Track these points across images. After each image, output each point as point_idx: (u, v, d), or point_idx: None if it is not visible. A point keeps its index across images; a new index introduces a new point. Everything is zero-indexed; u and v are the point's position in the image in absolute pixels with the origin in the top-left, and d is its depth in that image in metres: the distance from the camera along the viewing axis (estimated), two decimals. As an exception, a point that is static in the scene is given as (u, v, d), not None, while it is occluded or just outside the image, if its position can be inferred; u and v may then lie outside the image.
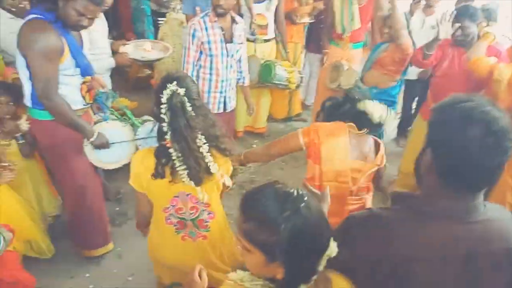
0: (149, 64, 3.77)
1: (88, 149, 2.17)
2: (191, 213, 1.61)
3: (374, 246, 1.02)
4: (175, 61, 4.08)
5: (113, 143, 2.20)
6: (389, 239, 1.01)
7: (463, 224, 0.97)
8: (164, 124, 1.47)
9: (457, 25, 2.62)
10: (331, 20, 3.77)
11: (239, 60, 2.84)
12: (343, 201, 1.80)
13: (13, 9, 2.67)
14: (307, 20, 3.92)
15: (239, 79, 2.90)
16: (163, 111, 1.45)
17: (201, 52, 2.61)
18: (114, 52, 2.69)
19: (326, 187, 1.48)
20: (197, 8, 3.49)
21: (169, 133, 1.46)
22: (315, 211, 0.92)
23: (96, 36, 2.55)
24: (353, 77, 3.58)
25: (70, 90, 2.03)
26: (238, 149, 3.72)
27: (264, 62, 3.57)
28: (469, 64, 2.57)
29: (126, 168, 2.39)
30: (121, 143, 2.23)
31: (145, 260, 2.46)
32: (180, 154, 1.46)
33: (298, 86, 3.88)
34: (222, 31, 2.59)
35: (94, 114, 2.33)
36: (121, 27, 4.72)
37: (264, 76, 3.55)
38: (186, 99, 1.45)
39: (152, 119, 2.63)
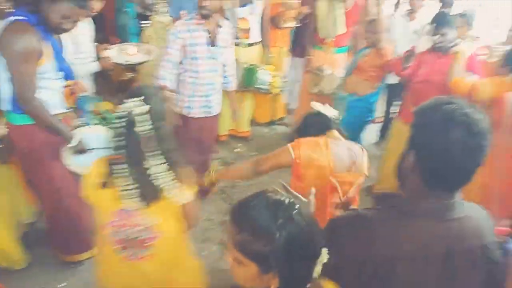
0: (133, 67, 3.74)
1: (68, 154, 2.13)
2: (133, 231, 1.50)
3: (359, 247, 1.03)
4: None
5: (93, 148, 2.17)
6: (373, 239, 1.02)
7: (442, 222, 1.00)
8: (119, 137, 1.40)
9: (437, 36, 2.67)
10: (314, 24, 3.80)
11: (226, 64, 2.83)
12: (326, 213, 1.77)
13: None
14: (292, 24, 3.94)
15: (225, 83, 2.89)
16: (119, 124, 1.39)
17: (185, 56, 2.59)
18: (98, 56, 2.66)
19: (311, 192, 1.44)
20: (183, 12, 3.49)
21: (122, 147, 1.40)
22: (307, 218, 0.92)
23: (82, 40, 2.53)
24: (334, 82, 3.62)
25: (51, 94, 2.00)
26: (222, 152, 3.74)
27: (247, 66, 3.57)
28: (450, 84, 2.66)
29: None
30: (103, 148, 2.20)
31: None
32: (127, 171, 1.39)
33: (281, 91, 3.88)
34: (208, 33, 2.58)
35: (77, 118, 2.30)
36: (105, 30, 4.67)
37: (247, 80, 3.56)
38: (148, 117, 1.37)
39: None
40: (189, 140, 2.77)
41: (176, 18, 3.49)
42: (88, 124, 2.25)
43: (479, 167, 0.96)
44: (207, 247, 2.73)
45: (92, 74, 2.67)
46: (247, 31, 3.64)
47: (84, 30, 2.52)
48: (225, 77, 2.86)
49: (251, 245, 0.88)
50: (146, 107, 1.38)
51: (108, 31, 4.42)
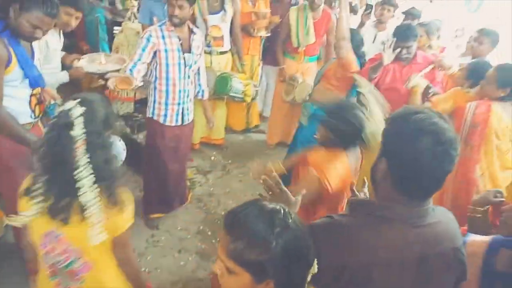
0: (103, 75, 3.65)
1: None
2: (61, 259, 1.32)
3: (335, 253, 1.05)
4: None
5: None
6: (348, 246, 1.04)
7: (415, 228, 1.03)
8: (48, 143, 1.24)
9: (398, 50, 2.77)
10: (286, 33, 3.86)
11: (198, 73, 2.81)
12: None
13: None
14: (263, 33, 3.99)
15: (198, 92, 2.87)
16: (48, 128, 1.25)
17: (157, 62, 2.55)
18: (64, 64, 2.57)
19: (299, 193, 1.38)
20: (154, 18, 3.45)
21: (49, 155, 1.23)
22: (301, 226, 0.92)
23: (53, 53, 2.46)
24: (306, 91, 3.68)
25: (18, 103, 1.93)
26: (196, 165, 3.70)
27: (220, 74, 3.57)
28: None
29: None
30: None
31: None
32: (49, 181, 1.23)
33: (253, 99, 3.89)
34: (180, 40, 2.56)
35: (44, 127, 2.21)
36: (75, 36, 4.55)
37: (220, 88, 3.55)
38: (81, 120, 1.21)
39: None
40: (165, 148, 2.72)
41: (146, 25, 3.45)
42: None
43: (447, 174, 1.01)
44: (184, 257, 2.68)
45: (61, 84, 2.58)
46: (220, 38, 3.63)
47: (54, 39, 2.45)
48: (199, 85, 2.84)
49: (246, 254, 0.87)
50: (80, 110, 1.22)
51: (78, 37, 4.30)
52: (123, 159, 2.45)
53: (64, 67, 2.55)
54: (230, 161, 3.92)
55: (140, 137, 3.40)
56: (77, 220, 1.23)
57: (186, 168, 3.04)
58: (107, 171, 1.27)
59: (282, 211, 0.91)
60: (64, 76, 2.44)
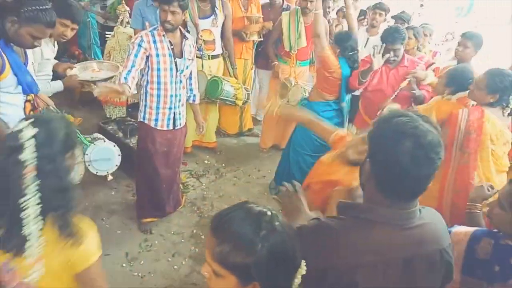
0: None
1: None
2: None
3: (320, 255, 1.06)
4: (123, 76, 3.99)
5: None
6: (333, 248, 1.05)
7: (401, 230, 1.04)
8: None
9: (391, 53, 2.82)
10: (278, 35, 3.90)
11: (189, 78, 2.82)
12: None
13: None
14: (256, 38, 4.02)
15: (189, 96, 2.88)
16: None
17: (149, 67, 2.56)
18: (56, 73, 2.57)
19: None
20: (146, 23, 3.46)
21: None
22: (288, 229, 0.92)
23: (47, 63, 2.46)
24: (299, 93, 3.71)
25: (12, 109, 1.92)
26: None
27: (211, 78, 3.58)
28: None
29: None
30: None
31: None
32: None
33: (245, 103, 3.91)
34: (171, 45, 2.57)
35: None
36: (67, 41, 4.55)
37: (211, 92, 3.56)
38: (33, 144, 1.09)
39: (103, 137, 2.54)
40: (156, 153, 2.72)
41: (138, 29, 3.45)
42: None
43: (430, 177, 1.01)
44: (177, 261, 2.68)
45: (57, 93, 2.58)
46: (211, 42, 3.65)
47: (48, 49, 2.46)
48: (190, 90, 2.85)
49: (232, 257, 0.86)
50: (32, 131, 1.10)
51: (69, 41, 4.29)
52: (118, 164, 2.46)
53: (57, 75, 2.55)
54: (223, 164, 3.93)
55: (133, 141, 3.40)
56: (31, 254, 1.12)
57: (179, 172, 3.04)
58: (60, 200, 1.14)
59: (269, 214, 0.91)
60: (59, 86, 2.45)
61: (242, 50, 4.09)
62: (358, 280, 1.03)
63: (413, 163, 0.97)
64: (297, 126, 3.32)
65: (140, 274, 2.53)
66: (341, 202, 1.15)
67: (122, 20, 3.98)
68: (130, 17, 3.78)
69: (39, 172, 1.10)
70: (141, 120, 2.69)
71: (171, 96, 2.64)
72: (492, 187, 1.71)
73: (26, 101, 1.99)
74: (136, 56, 2.48)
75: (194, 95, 2.89)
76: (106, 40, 4.10)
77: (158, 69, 2.55)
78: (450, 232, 1.31)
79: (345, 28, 4.04)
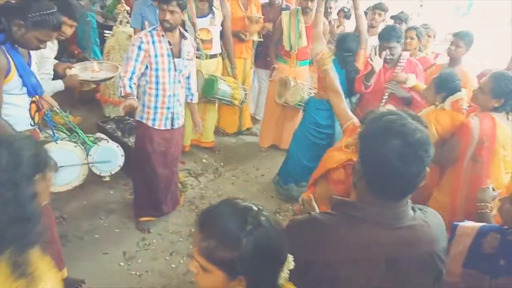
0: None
1: None
2: None
3: (307, 248, 1.07)
4: (122, 76, 4.00)
5: (62, 166, 2.11)
6: (321, 242, 1.06)
7: (390, 230, 1.04)
8: None
9: (387, 51, 2.80)
10: (278, 36, 3.91)
11: (188, 77, 2.83)
12: None
13: None
14: (256, 38, 4.03)
15: (187, 95, 2.89)
16: None
17: (146, 67, 2.57)
18: (56, 73, 2.58)
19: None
20: (146, 23, 3.47)
21: None
22: (274, 223, 0.93)
23: (47, 61, 2.48)
24: (298, 93, 3.72)
25: (18, 110, 1.94)
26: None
27: (208, 77, 3.58)
28: None
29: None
30: (72, 165, 2.16)
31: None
32: None
33: (242, 103, 3.89)
34: (170, 45, 2.57)
35: (41, 131, 2.22)
36: (66, 40, 4.56)
37: (207, 91, 3.56)
38: None
39: (106, 137, 2.55)
40: (154, 152, 2.73)
41: (138, 29, 3.46)
42: (55, 140, 2.19)
43: (420, 176, 1.01)
44: (175, 259, 2.69)
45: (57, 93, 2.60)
46: (209, 41, 3.65)
47: (50, 51, 2.47)
48: (188, 89, 2.86)
49: (218, 252, 0.87)
50: None
51: (69, 41, 4.30)
52: (122, 164, 2.48)
53: (57, 75, 2.57)
54: (222, 163, 3.94)
55: (131, 140, 3.40)
56: None
57: (177, 172, 3.04)
58: (17, 232, 0.96)
59: (254, 209, 0.91)
60: (60, 85, 2.47)
61: (242, 50, 4.10)
62: (341, 276, 1.04)
63: (401, 161, 0.97)
64: (300, 124, 3.37)
65: (138, 273, 2.54)
66: (335, 198, 1.15)
67: (121, 20, 3.99)
68: (129, 17, 3.79)
69: None
70: (139, 119, 2.70)
71: (170, 96, 2.65)
72: (494, 188, 1.77)
73: (31, 102, 2.00)
74: (136, 61, 2.51)
75: (192, 94, 2.90)
76: (106, 40, 4.11)
77: (157, 69, 2.56)
78: (457, 226, 1.32)
79: (347, 29, 4.06)
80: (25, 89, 1.93)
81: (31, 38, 1.81)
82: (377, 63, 2.80)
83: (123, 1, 3.98)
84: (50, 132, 2.23)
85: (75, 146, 2.23)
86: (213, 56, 3.72)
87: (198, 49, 3.53)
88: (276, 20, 3.96)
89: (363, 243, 1.04)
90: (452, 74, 2.46)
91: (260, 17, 3.96)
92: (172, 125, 2.74)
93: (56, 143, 2.17)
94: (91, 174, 2.48)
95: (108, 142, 2.41)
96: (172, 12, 2.43)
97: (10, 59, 1.83)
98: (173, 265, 2.64)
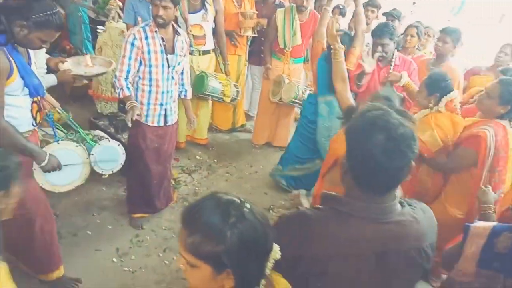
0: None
1: (37, 171, 2.05)
2: None
3: (296, 244, 1.07)
4: (114, 72, 3.96)
5: (65, 165, 2.10)
6: (309, 237, 1.07)
7: (377, 224, 1.05)
8: None
9: (379, 47, 2.79)
10: (274, 34, 3.90)
11: (182, 73, 2.82)
12: None
13: None
14: (250, 34, 4.02)
15: (181, 91, 2.88)
16: None
17: (140, 63, 2.56)
18: (48, 67, 2.55)
19: None
20: (139, 18, 3.44)
21: None
22: (258, 215, 0.93)
23: (39, 55, 2.45)
24: (293, 90, 3.73)
25: (20, 112, 1.92)
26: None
27: (199, 73, 3.56)
28: None
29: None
30: (74, 164, 2.16)
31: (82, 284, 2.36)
32: None
33: (233, 100, 3.84)
34: (163, 41, 2.56)
35: (40, 128, 2.21)
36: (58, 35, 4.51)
37: (197, 87, 3.54)
38: None
39: (107, 136, 2.54)
40: (147, 149, 2.72)
41: (130, 24, 3.43)
42: (57, 141, 2.18)
43: (403, 170, 1.01)
44: (169, 256, 2.69)
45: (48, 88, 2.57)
46: (202, 37, 3.62)
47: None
48: (182, 85, 2.85)
49: (203, 246, 0.88)
50: None
51: (61, 36, 4.25)
52: (123, 163, 2.48)
53: (49, 70, 2.54)
54: (215, 160, 3.94)
55: (124, 137, 3.38)
56: None
57: (170, 168, 3.04)
58: None
59: (237, 202, 0.92)
60: (53, 80, 2.44)
61: (236, 47, 4.08)
62: (329, 271, 1.05)
63: (385, 155, 0.97)
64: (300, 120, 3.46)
65: (131, 269, 2.54)
66: (324, 193, 1.16)
67: (114, 15, 3.94)
68: (122, 12, 3.75)
69: None
70: (132, 116, 2.68)
71: (163, 92, 2.64)
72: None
73: (33, 102, 1.98)
74: (130, 58, 2.51)
75: (186, 90, 2.89)
76: (98, 35, 4.06)
77: (150, 66, 2.55)
78: (469, 227, 1.33)
79: (342, 26, 4.06)
80: (27, 90, 1.91)
81: (34, 39, 1.78)
82: (369, 64, 2.79)
83: (116, -4, 3.94)
84: (51, 132, 2.23)
85: (77, 146, 2.23)
86: (206, 52, 3.71)
87: (190, 45, 3.52)
88: (270, 16, 3.96)
89: (351, 238, 1.05)
90: (442, 73, 2.43)
91: (254, 13, 3.95)
92: (166, 121, 2.73)
93: (58, 143, 2.16)
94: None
95: (109, 141, 2.42)
96: (165, 7, 2.42)
97: (12, 61, 1.80)
98: (166, 262, 2.64)
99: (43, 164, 1.97)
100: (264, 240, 0.93)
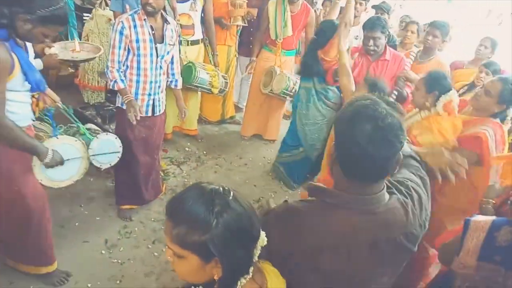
0: (75, 64, 3.56)
1: (36, 167, 2.01)
2: None
3: (286, 238, 1.08)
4: (102, 60, 3.88)
5: (66, 160, 2.08)
6: (299, 230, 1.07)
7: (365, 215, 1.06)
8: None
9: (370, 40, 2.77)
10: (265, 26, 3.87)
11: (171, 62, 2.77)
12: None
13: None
14: (240, 23, 3.96)
15: (171, 81, 2.84)
16: None
17: (128, 52, 2.51)
18: (34, 51, 2.48)
19: None
20: (127, 6, 3.36)
21: None
22: (243, 203, 0.94)
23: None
24: (284, 81, 3.71)
25: (21, 107, 1.88)
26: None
27: (186, 63, 3.51)
28: None
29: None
30: (73, 159, 2.13)
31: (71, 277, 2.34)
32: None
33: (222, 91, 3.80)
34: (152, 30, 2.51)
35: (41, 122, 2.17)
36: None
37: (185, 78, 3.47)
38: None
39: (98, 128, 2.48)
40: (135, 139, 2.68)
41: (118, 12, 3.36)
42: (56, 135, 2.14)
43: (390, 160, 1.02)
44: (158, 248, 2.68)
45: None
46: (190, 27, 3.56)
47: None
48: (172, 75, 2.81)
49: (189, 237, 0.88)
50: None
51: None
52: (120, 156, 2.44)
53: (35, 55, 2.47)
54: (204, 152, 3.91)
55: (112, 127, 3.33)
56: None
57: (159, 159, 3.00)
58: None
59: (221, 190, 0.92)
60: (39, 64, 2.37)
61: (226, 37, 4.02)
62: (320, 263, 1.06)
63: (372, 145, 0.97)
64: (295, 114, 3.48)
65: (119, 261, 2.52)
66: (311, 184, 1.16)
67: (100, 2, 3.85)
68: (109, -1, 3.67)
69: None
70: (120, 105, 2.63)
71: (151, 82, 2.59)
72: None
73: (32, 96, 1.94)
74: (119, 48, 2.47)
75: (176, 80, 2.85)
76: (84, 23, 3.97)
77: (139, 55, 2.50)
78: (469, 221, 1.35)
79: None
80: (28, 85, 1.87)
81: (37, 34, 1.72)
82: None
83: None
84: (39, 126, 2.19)
85: (76, 140, 2.20)
86: (194, 42, 3.65)
87: (178, 35, 3.46)
88: (260, 6, 3.91)
89: (340, 230, 1.05)
90: (442, 72, 2.34)
91: (244, 1, 3.90)
92: (153, 112, 2.69)
93: (57, 138, 2.12)
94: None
95: (107, 134, 2.40)
96: None
97: (14, 56, 1.75)
98: (155, 253, 2.63)
99: (47, 160, 1.94)
100: (250, 227, 0.93)
